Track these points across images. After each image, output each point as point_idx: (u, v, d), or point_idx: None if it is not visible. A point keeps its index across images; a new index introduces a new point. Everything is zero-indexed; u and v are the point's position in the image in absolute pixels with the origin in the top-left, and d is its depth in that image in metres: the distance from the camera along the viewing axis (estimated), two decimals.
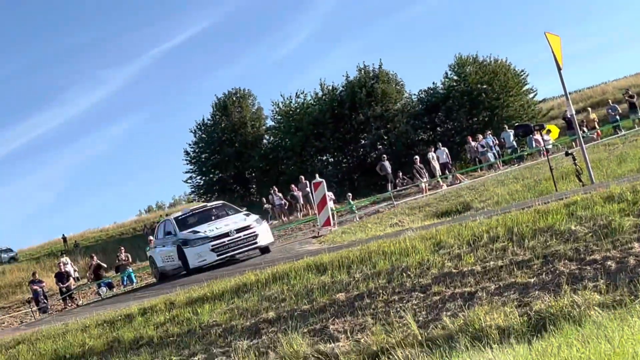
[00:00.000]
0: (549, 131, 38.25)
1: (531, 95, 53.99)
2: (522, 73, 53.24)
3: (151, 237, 32.01)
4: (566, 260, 10.72)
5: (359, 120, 51.67)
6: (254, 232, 22.45)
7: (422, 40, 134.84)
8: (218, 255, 21.93)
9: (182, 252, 22.39)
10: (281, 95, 58.59)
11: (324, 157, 54.85)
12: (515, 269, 11.01)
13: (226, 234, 22.05)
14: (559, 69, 18.61)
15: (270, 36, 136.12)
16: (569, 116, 28.17)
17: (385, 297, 11.72)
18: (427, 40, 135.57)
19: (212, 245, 21.89)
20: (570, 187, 21.09)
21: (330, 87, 54.52)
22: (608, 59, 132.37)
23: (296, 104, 54.73)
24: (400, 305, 11.34)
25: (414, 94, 55.00)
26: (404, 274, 12.08)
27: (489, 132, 42.24)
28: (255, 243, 22.52)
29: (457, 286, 11.25)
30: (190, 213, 24.55)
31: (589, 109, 47.06)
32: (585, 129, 39.08)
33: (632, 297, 9.39)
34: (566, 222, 11.80)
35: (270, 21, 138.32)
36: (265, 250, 23.00)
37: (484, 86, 50.62)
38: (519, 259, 11.25)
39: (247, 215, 23.58)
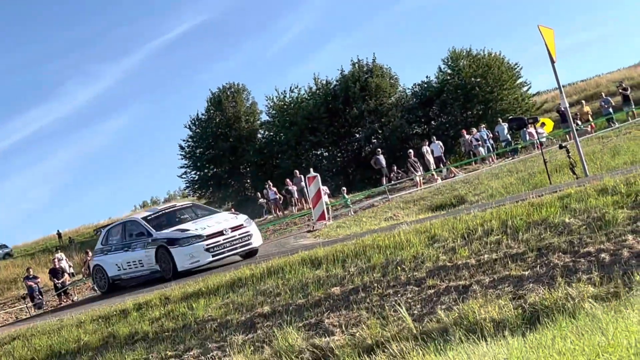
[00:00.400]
0: (543, 124, 38.32)
1: (525, 89, 54.02)
2: (515, 66, 53.29)
3: None
4: (560, 253, 10.76)
5: (353, 115, 51.70)
6: (248, 231, 20.69)
7: (416, 34, 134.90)
8: (213, 256, 19.80)
9: (166, 254, 19.94)
10: (275, 90, 58.48)
11: (319, 152, 54.86)
12: (509, 262, 11.04)
13: (220, 233, 20.02)
14: (553, 62, 18.65)
15: (264, 31, 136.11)
16: (562, 109, 28.24)
17: (380, 291, 11.74)
18: (421, 34, 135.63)
19: (207, 245, 19.71)
20: (564, 180, 21.16)
21: (324, 82, 54.58)
22: (602, 51, 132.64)
23: (290, 99, 54.77)
24: (395, 298, 11.37)
25: (408, 88, 55.10)
26: (399, 268, 12.10)
27: (483, 125, 42.26)
28: (250, 244, 20.62)
29: (451, 279, 11.28)
30: (161, 212, 22.18)
31: (583, 101, 47.04)
32: (579, 121, 39.11)
33: (626, 289, 9.42)
34: (560, 215, 11.83)
35: (265, 16, 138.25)
36: (252, 253, 20.81)
37: (478, 80, 50.66)
38: (513, 252, 11.28)
39: (236, 214, 22.36)
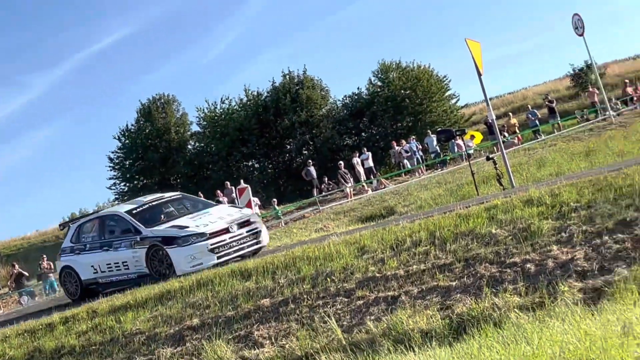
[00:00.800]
0: (473, 137, 38.89)
1: (454, 101, 54.62)
2: (444, 79, 53.84)
3: None
4: (487, 264, 10.90)
5: (284, 126, 51.70)
6: (257, 227, 18.25)
7: (346, 46, 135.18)
8: (218, 258, 17.08)
9: (161, 255, 17.25)
10: (206, 101, 58.18)
11: (250, 163, 54.70)
12: (437, 273, 11.15)
13: (226, 230, 17.45)
14: (479, 74, 18.89)
15: (195, 42, 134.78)
16: (489, 121, 28.65)
17: (310, 302, 11.77)
18: (351, 46, 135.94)
19: (211, 244, 17.10)
20: (491, 191, 21.41)
21: (255, 93, 54.50)
22: (529, 64, 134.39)
23: (221, 110, 54.55)
24: (325, 310, 11.40)
25: (339, 100, 55.25)
26: (329, 279, 12.14)
27: (413, 137, 42.67)
28: (260, 242, 18.21)
29: (380, 290, 11.35)
30: (147, 205, 19.23)
31: (510, 114, 47.80)
32: (506, 133, 39.71)
33: (551, 299, 9.59)
34: (487, 226, 11.99)
35: (196, 27, 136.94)
36: (256, 252, 18.28)
37: (407, 92, 51.09)
38: (441, 262, 11.40)
39: (240, 207, 19.93)
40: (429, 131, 43.01)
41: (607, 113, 35.76)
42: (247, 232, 17.83)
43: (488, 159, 22.49)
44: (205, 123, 55.12)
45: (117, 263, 18.23)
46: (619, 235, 10.40)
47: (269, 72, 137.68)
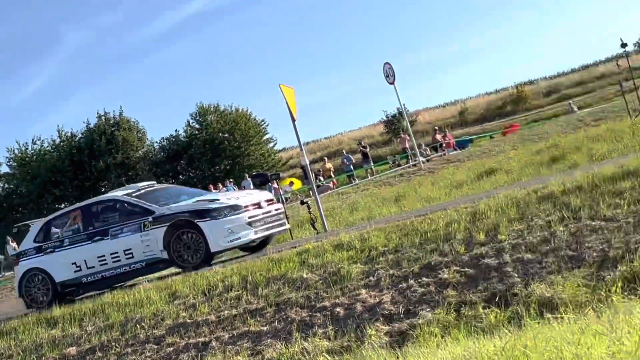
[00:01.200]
0: (292, 183, 39.40)
1: (271, 145, 55.40)
2: (262, 123, 54.57)
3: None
4: (298, 308, 10.98)
5: (98, 168, 50.88)
6: (281, 208, 17.09)
7: (164, 87, 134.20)
8: (255, 233, 15.47)
9: (188, 233, 15.17)
10: (16, 142, 56.55)
11: (63, 205, 53.35)
12: (249, 318, 11.14)
13: (257, 205, 15.81)
14: (293, 119, 19.13)
15: (5, 80, 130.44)
16: (304, 165, 29.09)
17: (118, 350, 11.52)
18: (170, 88, 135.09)
19: (248, 217, 15.37)
20: (305, 235, 21.63)
21: (69, 134, 53.42)
22: (345, 110, 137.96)
23: (33, 151, 53.12)
24: (134, 357, 11.20)
25: (156, 142, 54.98)
26: (138, 326, 11.93)
27: (231, 180, 42.81)
28: (284, 224, 16.89)
29: (191, 336, 11.24)
30: (145, 190, 16.88)
31: (326, 158, 48.87)
32: (321, 177, 40.46)
33: (358, 342, 9.74)
34: (298, 270, 12.09)
35: (6, 65, 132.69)
36: (266, 242, 16.75)
37: (226, 135, 51.42)
38: (252, 307, 11.40)
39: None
40: (246, 174, 43.28)
41: (417, 159, 37.02)
42: (275, 210, 16.45)
43: (302, 203, 22.77)
44: (15, 164, 53.55)
45: (116, 253, 15.84)
46: (424, 279, 10.70)
47: (83, 113, 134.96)
